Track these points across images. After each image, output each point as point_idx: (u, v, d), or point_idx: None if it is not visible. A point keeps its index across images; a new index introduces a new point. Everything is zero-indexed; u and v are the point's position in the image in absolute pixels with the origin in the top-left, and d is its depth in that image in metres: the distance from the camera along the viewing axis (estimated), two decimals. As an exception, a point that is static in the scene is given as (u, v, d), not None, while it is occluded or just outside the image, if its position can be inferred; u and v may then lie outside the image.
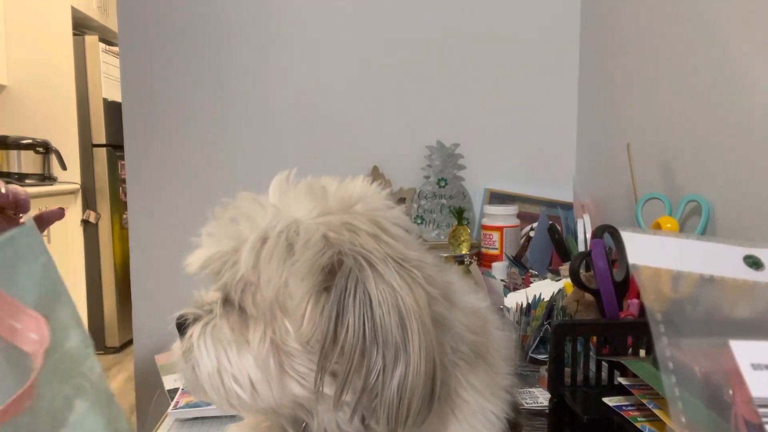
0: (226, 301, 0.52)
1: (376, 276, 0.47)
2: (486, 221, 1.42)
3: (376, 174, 1.52)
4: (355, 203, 0.52)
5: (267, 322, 0.49)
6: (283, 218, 0.50)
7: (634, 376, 0.61)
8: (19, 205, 0.76)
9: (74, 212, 3.33)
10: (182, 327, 0.53)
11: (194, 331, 0.52)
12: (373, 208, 0.52)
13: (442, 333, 0.49)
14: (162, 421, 0.83)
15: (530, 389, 0.81)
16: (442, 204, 1.52)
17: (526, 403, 0.76)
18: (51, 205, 3.05)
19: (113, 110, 3.40)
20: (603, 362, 0.70)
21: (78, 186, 3.34)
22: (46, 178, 3.20)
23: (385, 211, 0.53)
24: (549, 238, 1.25)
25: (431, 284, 0.49)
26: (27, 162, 3.12)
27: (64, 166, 3.23)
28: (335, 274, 0.48)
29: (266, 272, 0.48)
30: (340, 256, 0.48)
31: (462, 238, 1.44)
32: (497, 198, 1.52)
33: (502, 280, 1.20)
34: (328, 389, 0.48)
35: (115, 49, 3.42)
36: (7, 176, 3.06)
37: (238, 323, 0.50)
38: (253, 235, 0.50)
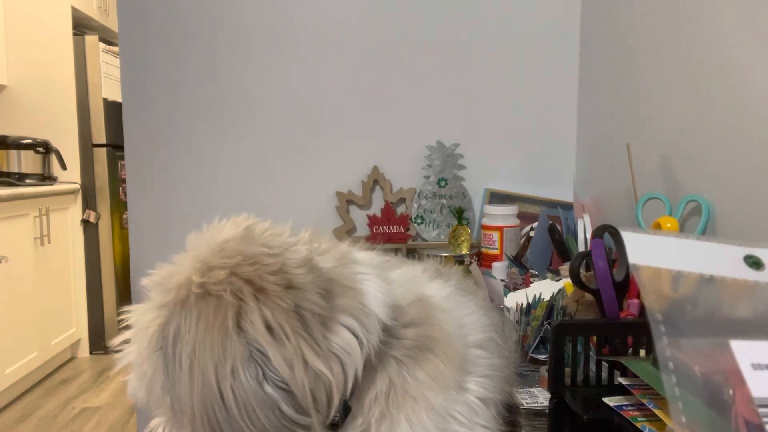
0: None
1: (176, 325, 0.48)
2: (486, 221, 1.42)
3: (376, 174, 1.52)
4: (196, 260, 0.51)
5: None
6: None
7: (634, 376, 0.61)
8: None
9: (74, 212, 3.33)
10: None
11: None
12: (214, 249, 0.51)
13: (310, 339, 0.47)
14: (162, 421, 0.83)
15: (530, 389, 0.81)
16: (442, 204, 1.52)
17: (526, 403, 0.76)
18: (51, 204, 3.06)
19: (113, 110, 3.40)
20: (603, 362, 0.70)
21: (78, 186, 3.34)
22: (46, 178, 3.20)
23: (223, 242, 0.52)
24: (549, 238, 1.25)
25: (297, 289, 0.48)
26: (27, 162, 3.12)
27: (64, 166, 3.23)
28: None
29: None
30: (160, 327, 0.50)
31: (462, 238, 1.44)
32: (497, 198, 1.52)
33: (502, 280, 1.20)
34: None
35: (115, 49, 3.42)
36: (7, 176, 3.06)
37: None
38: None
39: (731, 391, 0.42)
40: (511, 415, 0.64)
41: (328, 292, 0.50)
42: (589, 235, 1.20)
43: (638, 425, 0.56)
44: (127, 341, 0.52)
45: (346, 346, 0.48)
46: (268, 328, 0.46)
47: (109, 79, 3.41)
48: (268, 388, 0.46)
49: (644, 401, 0.57)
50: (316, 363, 0.47)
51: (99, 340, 3.44)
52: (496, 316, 0.68)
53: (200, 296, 0.48)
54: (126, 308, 0.53)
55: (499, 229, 1.39)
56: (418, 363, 0.51)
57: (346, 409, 0.50)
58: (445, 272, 0.67)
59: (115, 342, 0.53)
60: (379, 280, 0.53)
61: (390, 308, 0.52)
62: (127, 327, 0.52)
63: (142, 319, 0.51)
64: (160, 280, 0.52)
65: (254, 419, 0.46)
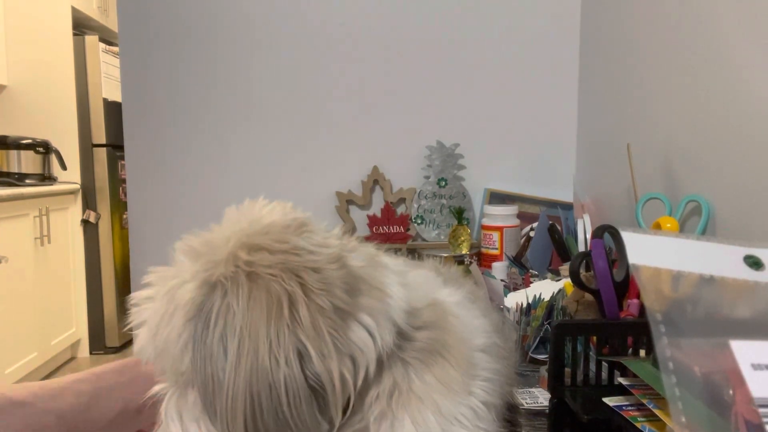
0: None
1: (222, 300, 0.47)
2: (486, 221, 1.42)
3: (376, 174, 1.52)
4: (230, 239, 0.51)
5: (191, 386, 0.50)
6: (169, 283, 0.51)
7: (634, 376, 0.61)
8: None
9: (74, 212, 3.33)
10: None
11: (165, 407, 0.52)
12: (250, 233, 0.52)
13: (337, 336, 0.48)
14: (162, 421, 0.83)
15: (530, 389, 0.81)
16: (442, 204, 1.52)
17: (526, 403, 0.76)
18: (51, 204, 3.06)
19: (113, 110, 3.40)
20: (603, 362, 0.70)
21: (78, 186, 3.34)
22: (46, 178, 3.20)
23: (261, 226, 0.52)
24: (549, 238, 1.25)
25: (327, 289, 0.48)
26: (27, 162, 3.12)
27: (64, 166, 3.23)
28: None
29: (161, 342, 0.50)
30: (203, 297, 0.49)
31: (462, 238, 1.44)
32: (497, 198, 1.52)
33: (502, 280, 1.20)
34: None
35: (115, 49, 3.42)
36: (7, 176, 3.06)
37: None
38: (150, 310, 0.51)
39: (731, 391, 0.42)
40: (511, 414, 0.64)
41: (353, 290, 0.50)
42: (589, 235, 1.20)
43: (638, 425, 0.56)
44: (149, 299, 0.51)
45: (361, 344, 0.49)
46: (312, 323, 0.47)
47: (109, 79, 3.41)
48: (310, 383, 0.47)
49: (644, 401, 0.57)
50: (340, 362, 0.47)
51: (99, 340, 3.43)
52: (497, 318, 0.68)
53: (250, 276, 0.48)
54: (152, 269, 0.52)
55: (499, 229, 1.39)
56: (427, 366, 0.51)
57: (347, 406, 0.50)
58: (452, 276, 0.68)
59: (135, 296, 0.52)
60: (400, 285, 0.54)
61: (407, 313, 0.52)
62: (148, 285, 0.52)
63: (170, 281, 0.50)
64: (198, 247, 0.51)
65: (300, 412, 0.46)
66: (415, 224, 1.53)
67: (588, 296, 0.80)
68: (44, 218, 3.00)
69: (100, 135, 3.38)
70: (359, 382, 0.49)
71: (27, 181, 3.09)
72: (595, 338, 0.73)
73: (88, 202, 3.39)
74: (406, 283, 0.55)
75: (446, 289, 0.60)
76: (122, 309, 3.45)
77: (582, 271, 0.81)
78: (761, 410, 0.40)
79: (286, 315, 0.46)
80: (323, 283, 0.48)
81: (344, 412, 0.50)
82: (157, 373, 0.53)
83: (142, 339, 0.51)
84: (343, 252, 0.52)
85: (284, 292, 0.47)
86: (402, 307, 0.52)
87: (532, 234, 1.38)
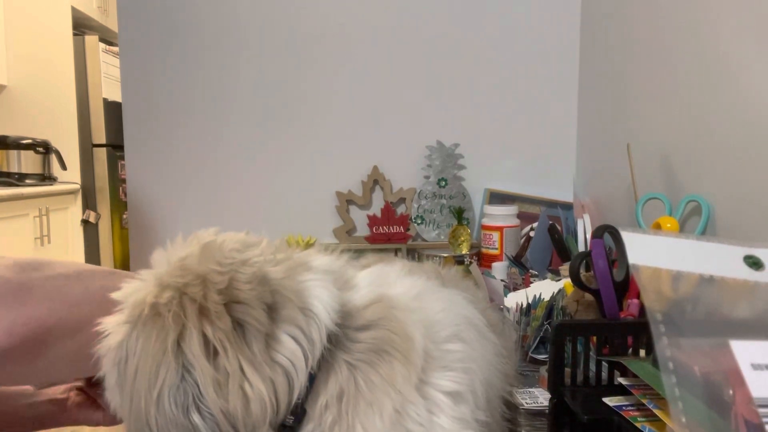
0: None
1: (126, 345, 0.51)
2: (486, 221, 1.42)
3: (376, 174, 1.52)
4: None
5: None
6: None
7: (634, 376, 0.61)
8: None
9: (74, 212, 3.33)
10: None
11: None
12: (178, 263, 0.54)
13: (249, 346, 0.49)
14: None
15: (530, 389, 0.81)
16: (442, 204, 1.52)
17: (526, 403, 0.76)
18: (51, 204, 3.06)
19: (113, 110, 3.40)
20: (603, 362, 0.70)
21: (78, 186, 3.34)
22: (46, 178, 3.20)
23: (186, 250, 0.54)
24: (549, 238, 1.25)
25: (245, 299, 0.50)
26: (27, 162, 3.11)
27: (64, 166, 3.23)
28: None
29: None
30: (117, 344, 0.52)
31: (462, 238, 1.44)
32: (497, 198, 1.52)
33: (502, 280, 1.20)
34: None
35: (115, 49, 3.42)
36: (7, 176, 3.06)
37: None
38: None
39: (731, 391, 0.42)
40: (511, 414, 0.64)
41: (273, 305, 0.51)
42: (589, 235, 1.20)
43: (638, 425, 0.56)
44: (99, 356, 0.54)
45: (290, 356, 0.50)
46: (206, 347, 0.48)
47: (109, 79, 3.41)
48: (195, 416, 0.48)
49: (644, 401, 0.57)
50: (254, 378, 0.48)
51: (99, 340, 3.43)
52: (484, 304, 0.68)
53: (150, 317, 0.50)
54: (101, 320, 0.54)
55: (499, 229, 1.39)
56: (373, 366, 0.51)
57: (300, 414, 0.51)
58: (417, 268, 0.67)
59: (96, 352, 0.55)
60: (330, 286, 0.54)
61: (338, 313, 0.52)
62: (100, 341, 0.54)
63: (108, 336, 0.53)
64: (123, 297, 0.54)
65: None
66: (415, 224, 1.53)
67: (588, 296, 0.80)
68: (44, 218, 3.00)
69: (100, 135, 3.38)
70: (296, 391, 0.50)
71: (27, 181, 3.09)
72: (595, 338, 0.73)
73: (88, 202, 3.39)
74: (345, 282, 0.56)
75: (406, 281, 0.59)
76: (122, 309, 3.44)
77: (582, 271, 0.81)
78: (761, 410, 0.40)
79: (168, 348, 0.48)
80: (230, 299, 0.50)
81: (299, 417, 0.51)
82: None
83: (112, 401, 0.54)
84: (263, 268, 0.53)
85: (175, 326, 0.49)
86: (331, 307, 0.52)
87: (532, 234, 1.38)
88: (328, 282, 0.54)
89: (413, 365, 0.51)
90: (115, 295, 0.54)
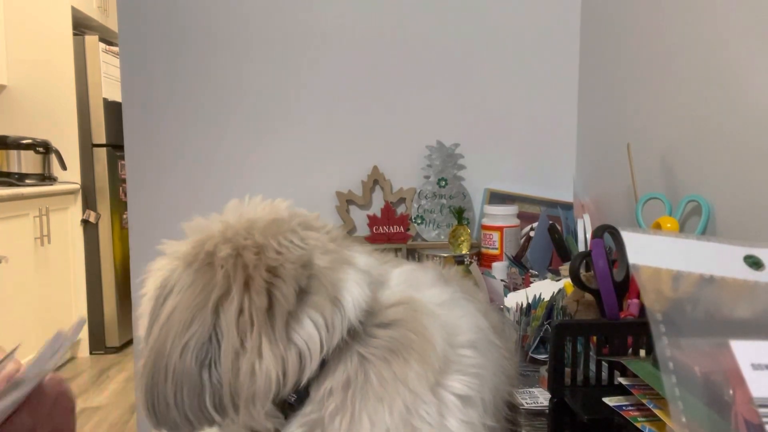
0: None
1: (173, 283, 0.53)
2: (486, 221, 1.42)
3: (376, 174, 1.52)
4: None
5: None
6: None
7: (634, 376, 0.61)
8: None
9: (74, 212, 3.33)
10: None
11: None
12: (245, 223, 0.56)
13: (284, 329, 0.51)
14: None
15: (530, 389, 0.81)
16: (442, 204, 1.52)
17: (526, 403, 0.76)
18: (51, 204, 3.06)
19: (113, 110, 3.40)
20: (603, 362, 0.70)
21: (78, 186, 3.34)
22: (46, 178, 3.20)
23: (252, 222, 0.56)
24: (549, 238, 1.25)
25: (292, 280, 0.51)
26: (27, 162, 3.11)
27: (64, 166, 3.23)
28: None
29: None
30: (163, 280, 0.55)
31: (462, 238, 1.44)
32: (497, 198, 1.52)
33: (502, 280, 1.20)
34: None
35: (115, 49, 3.42)
36: (7, 176, 3.06)
37: None
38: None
39: (731, 391, 0.42)
40: (511, 414, 0.64)
41: (306, 288, 0.53)
42: (589, 235, 1.20)
43: (638, 425, 0.56)
44: (143, 295, 0.56)
45: (307, 339, 0.51)
46: (240, 315, 0.50)
47: (109, 79, 3.41)
48: (205, 376, 0.50)
49: (644, 401, 0.57)
50: (267, 355, 0.50)
51: (99, 340, 3.43)
52: (496, 318, 0.68)
53: (203, 264, 0.52)
54: (164, 241, 0.56)
55: (499, 229, 1.39)
56: (386, 362, 0.52)
57: (303, 394, 0.52)
58: (447, 276, 0.68)
59: (141, 291, 0.57)
60: (364, 285, 0.55)
61: (364, 311, 0.54)
62: (144, 280, 0.57)
63: (161, 262, 0.55)
64: (189, 230, 0.56)
65: (179, 399, 0.50)
66: (415, 224, 1.53)
67: (588, 296, 0.80)
68: (44, 218, 3.00)
69: (100, 135, 3.38)
70: (306, 371, 0.51)
71: (27, 181, 3.09)
72: (595, 338, 0.73)
73: (88, 202, 3.39)
74: (377, 282, 0.57)
75: (434, 289, 0.61)
76: (122, 309, 3.45)
77: (582, 271, 0.81)
78: (761, 410, 0.40)
79: (210, 305, 0.50)
80: (272, 281, 0.51)
81: (301, 397, 0.52)
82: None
83: (141, 329, 0.55)
84: (313, 253, 0.55)
85: (222, 285, 0.50)
86: (358, 303, 0.54)
87: (532, 234, 1.38)
88: (364, 282, 0.56)
89: (430, 366, 0.53)
90: (185, 226, 0.56)
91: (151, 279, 0.55)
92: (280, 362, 0.50)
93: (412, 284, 0.60)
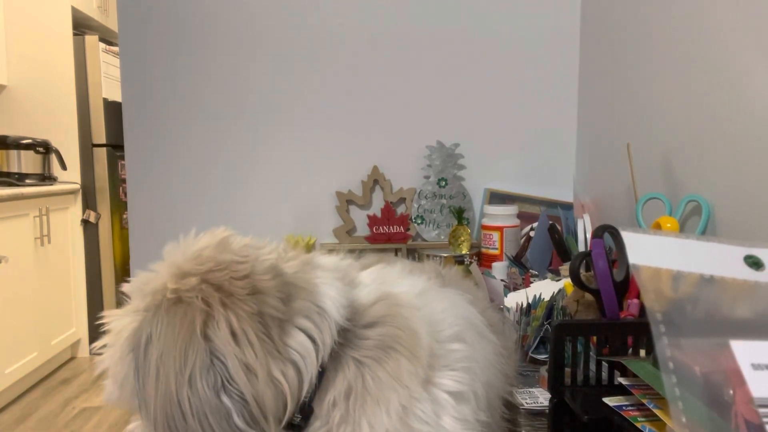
0: None
1: (148, 331, 0.51)
2: (486, 221, 1.42)
3: (376, 174, 1.52)
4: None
5: None
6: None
7: (634, 376, 0.61)
8: None
9: (74, 212, 3.33)
10: None
11: None
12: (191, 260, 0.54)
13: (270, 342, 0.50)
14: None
15: (530, 389, 0.81)
16: (442, 204, 1.52)
17: (526, 403, 0.76)
18: (51, 204, 3.06)
19: (113, 110, 3.40)
20: (603, 362, 0.70)
21: (78, 186, 3.34)
22: (46, 178, 3.20)
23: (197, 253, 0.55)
24: (549, 238, 1.25)
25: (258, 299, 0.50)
26: (27, 162, 3.11)
27: (64, 166, 3.23)
28: None
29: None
30: (135, 332, 0.53)
31: (462, 238, 1.44)
32: (497, 198, 1.52)
33: (502, 280, 1.20)
34: None
35: (115, 49, 3.42)
36: (7, 176, 3.06)
37: None
38: None
39: (731, 391, 0.42)
40: (511, 414, 0.64)
41: (288, 296, 0.52)
42: (589, 235, 1.20)
43: (638, 425, 0.56)
44: (105, 346, 0.54)
45: (301, 350, 0.50)
46: (233, 334, 0.49)
47: (109, 79, 3.41)
48: (225, 398, 0.48)
49: (644, 401, 0.57)
50: (272, 368, 0.49)
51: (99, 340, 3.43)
52: (495, 317, 0.68)
53: (173, 302, 0.50)
54: (105, 313, 0.54)
55: (499, 229, 1.39)
56: (380, 363, 0.52)
57: (307, 411, 0.51)
58: (418, 268, 0.68)
59: (95, 346, 0.55)
60: (337, 282, 0.55)
61: (346, 309, 0.53)
62: (106, 332, 0.54)
63: (118, 323, 0.53)
64: (137, 286, 0.54)
65: (206, 428, 0.48)
66: (415, 224, 1.53)
67: (588, 296, 0.80)
68: (44, 218, 3.00)
69: (100, 135, 3.37)
70: (305, 386, 0.50)
71: (27, 181, 3.09)
72: (595, 338, 0.73)
73: (88, 202, 3.39)
74: (351, 280, 0.57)
75: (407, 280, 0.60)
76: (122, 309, 3.44)
77: (582, 271, 0.81)
78: (761, 410, 0.40)
79: (196, 332, 0.49)
80: (252, 288, 0.50)
81: (306, 415, 0.51)
82: (132, 412, 0.55)
83: (107, 386, 0.54)
84: (278, 262, 0.54)
85: (200, 311, 0.49)
86: (339, 302, 0.53)
87: (532, 234, 1.38)
88: (335, 280, 0.55)
89: (419, 360, 0.52)
90: (126, 288, 0.55)
91: (113, 346, 0.53)
92: (283, 377, 0.49)
93: (385, 280, 0.60)
